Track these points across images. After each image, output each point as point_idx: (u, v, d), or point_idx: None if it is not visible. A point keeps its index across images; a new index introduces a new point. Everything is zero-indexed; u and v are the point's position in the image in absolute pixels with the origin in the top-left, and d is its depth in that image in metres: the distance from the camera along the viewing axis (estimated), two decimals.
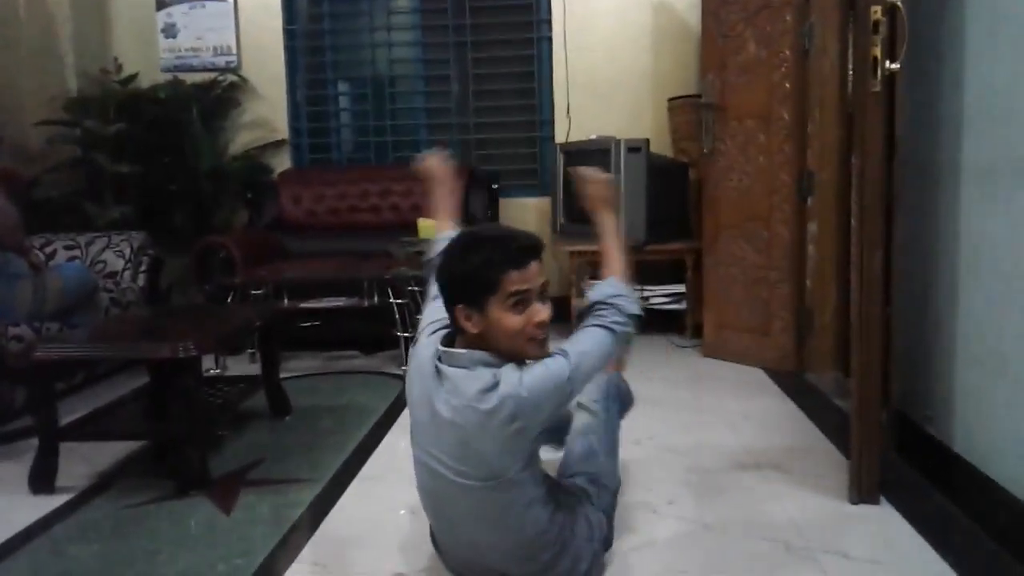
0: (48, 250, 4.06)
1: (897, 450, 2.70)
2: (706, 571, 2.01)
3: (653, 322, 4.59)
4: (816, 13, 3.61)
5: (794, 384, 3.62)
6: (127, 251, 4.17)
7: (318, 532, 2.30)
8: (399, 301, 4.02)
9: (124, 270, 4.13)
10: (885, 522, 2.23)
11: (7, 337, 3.23)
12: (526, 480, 1.73)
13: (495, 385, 1.63)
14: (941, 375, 2.50)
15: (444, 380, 1.70)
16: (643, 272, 4.62)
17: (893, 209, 2.68)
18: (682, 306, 4.52)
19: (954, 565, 1.97)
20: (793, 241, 3.75)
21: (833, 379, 3.62)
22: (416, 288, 4.16)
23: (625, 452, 2.33)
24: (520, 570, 1.81)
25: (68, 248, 4.11)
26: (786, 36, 3.68)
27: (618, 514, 2.14)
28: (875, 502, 2.33)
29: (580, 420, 2.14)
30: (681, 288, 4.52)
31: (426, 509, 1.91)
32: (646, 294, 4.53)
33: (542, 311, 1.71)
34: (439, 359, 1.74)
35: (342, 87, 5.74)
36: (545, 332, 1.72)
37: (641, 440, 2.88)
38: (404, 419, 3.29)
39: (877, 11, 2.24)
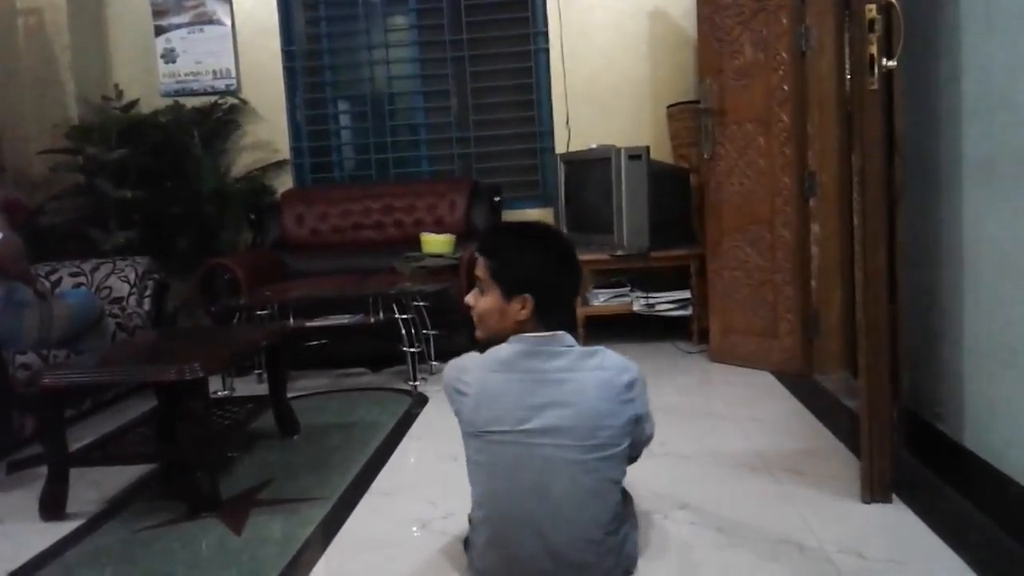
0: (53, 277, 4.08)
1: (908, 448, 2.69)
2: (722, 574, 2.00)
3: (659, 329, 4.59)
4: (812, 14, 3.62)
5: (803, 386, 3.61)
6: (132, 276, 4.18)
7: (329, 550, 2.29)
8: (405, 316, 4.01)
9: (130, 295, 4.14)
10: (899, 521, 2.22)
11: (15, 365, 3.24)
12: (622, 459, 1.91)
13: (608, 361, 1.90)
14: (949, 371, 2.48)
15: (560, 356, 1.87)
16: (647, 279, 4.62)
17: (896, 207, 2.67)
18: (688, 312, 4.51)
19: (970, 562, 1.95)
20: (797, 243, 3.74)
21: (842, 380, 3.61)
22: (422, 303, 4.17)
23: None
24: (586, 555, 1.85)
25: (73, 275, 4.13)
26: (782, 39, 3.68)
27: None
28: (888, 501, 2.31)
29: None
30: (686, 294, 4.51)
31: (493, 511, 1.89)
32: (651, 301, 4.52)
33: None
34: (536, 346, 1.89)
35: (342, 106, 5.76)
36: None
37: (652, 447, 2.85)
38: (414, 434, 3.30)
39: (872, 9, 2.24)
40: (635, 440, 1.95)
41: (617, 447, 1.87)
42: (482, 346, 1.98)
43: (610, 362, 1.90)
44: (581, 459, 1.82)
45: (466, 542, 2.06)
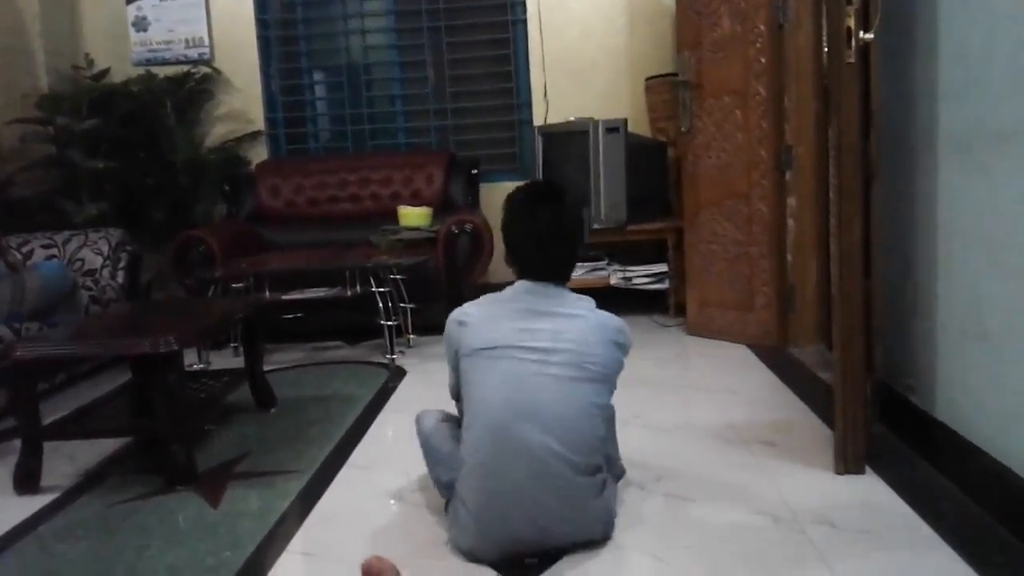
0: (25, 249, 4.03)
1: (882, 420, 2.72)
2: (695, 546, 2.02)
3: (636, 302, 4.60)
4: None
5: (778, 359, 3.64)
6: (105, 248, 4.13)
7: (307, 522, 2.30)
8: (382, 290, 4.00)
9: (103, 267, 4.10)
10: (871, 491, 2.25)
11: None
12: (607, 392, 2.04)
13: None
14: (922, 344, 2.51)
15: (554, 296, 2.04)
16: (625, 252, 4.63)
17: (871, 181, 2.68)
18: (665, 285, 4.52)
19: (940, 531, 1.99)
20: (773, 216, 3.76)
21: (817, 352, 3.64)
22: (399, 276, 4.15)
23: None
24: (574, 471, 1.92)
25: (45, 247, 4.08)
26: (760, 11, 3.68)
27: None
28: (860, 472, 2.34)
29: None
30: (663, 267, 4.52)
31: (485, 429, 1.93)
32: (629, 274, 4.53)
33: None
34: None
35: (317, 76, 5.70)
36: None
37: (628, 419, 2.88)
38: (392, 407, 3.30)
39: None
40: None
41: (603, 379, 2.00)
42: None
43: (597, 312, 2.06)
44: (568, 378, 1.94)
45: (447, 506, 2.08)
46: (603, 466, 2.03)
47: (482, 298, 2.11)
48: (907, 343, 2.63)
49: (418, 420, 2.29)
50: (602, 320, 2.05)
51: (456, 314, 2.09)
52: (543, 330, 1.97)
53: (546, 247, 2.05)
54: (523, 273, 2.08)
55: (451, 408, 2.27)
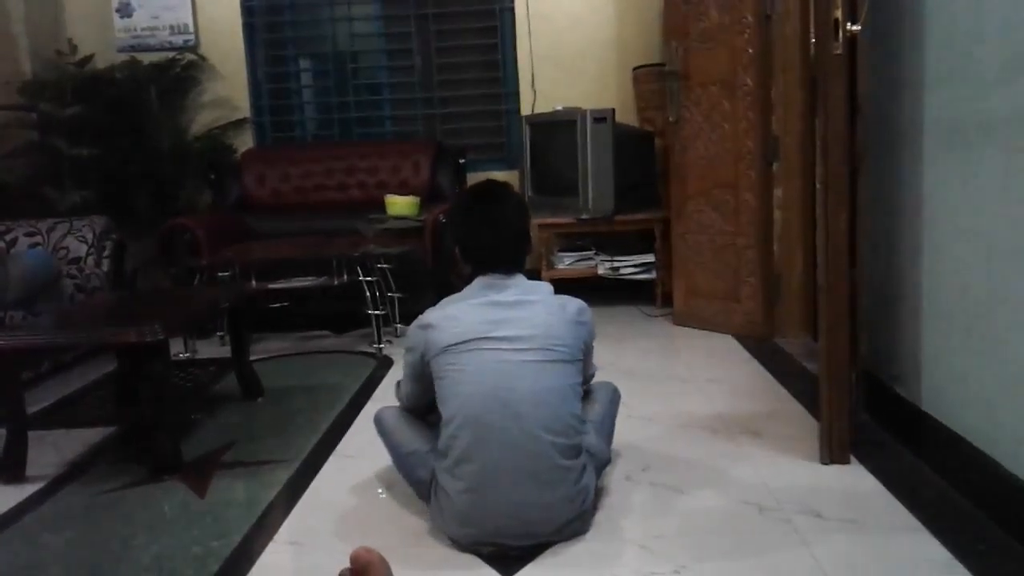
0: (8, 237, 3.99)
1: (867, 410, 2.74)
2: (681, 536, 2.03)
3: (624, 292, 4.61)
4: None
5: (764, 349, 3.66)
6: (90, 236, 4.10)
7: (294, 511, 2.30)
8: (369, 279, 3.99)
9: (87, 255, 4.06)
10: (856, 481, 2.27)
11: None
12: (578, 372, 2.07)
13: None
14: (908, 334, 2.53)
15: (510, 288, 2.07)
16: (612, 243, 4.64)
17: (858, 171, 2.70)
18: (652, 275, 4.53)
19: (924, 520, 2.00)
20: (760, 207, 3.77)
21: (803, 343, 3.66)
22: (386, 266, 4.14)
23: None
24: (556, 452, 1.94)
25: (29, 235, 4.04)
26: (747, 1, 3.67)
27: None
28: (846, 462, 2.36)
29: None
30: (650, 258, 4.53)
31: (464, 421, 1.95)
32: (616, 264, 4.54)
33: None
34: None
35: (303, 64, 5.67)
36: None
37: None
38: (379, 396, 3.29)
39: None
40: (584, 375, 2.16)
41: (573, 359, 2.05)
42: None
43: (555, 296, 2.12)
44: (539, 362, 1.98)
45: (430, 489, 2.08)
46: (583, 450, 2.04)
47: (441, 302, 2.13)
48: (892, 333, 2.64)
49: (378, 422, 2.30)
50: (562, 302, 2.10)
51: (418, 321, 2.12)
52: (508, 320, 2.01)
53: (503, 238, 2.12)
54: (480, 268, 2.12)
55: None
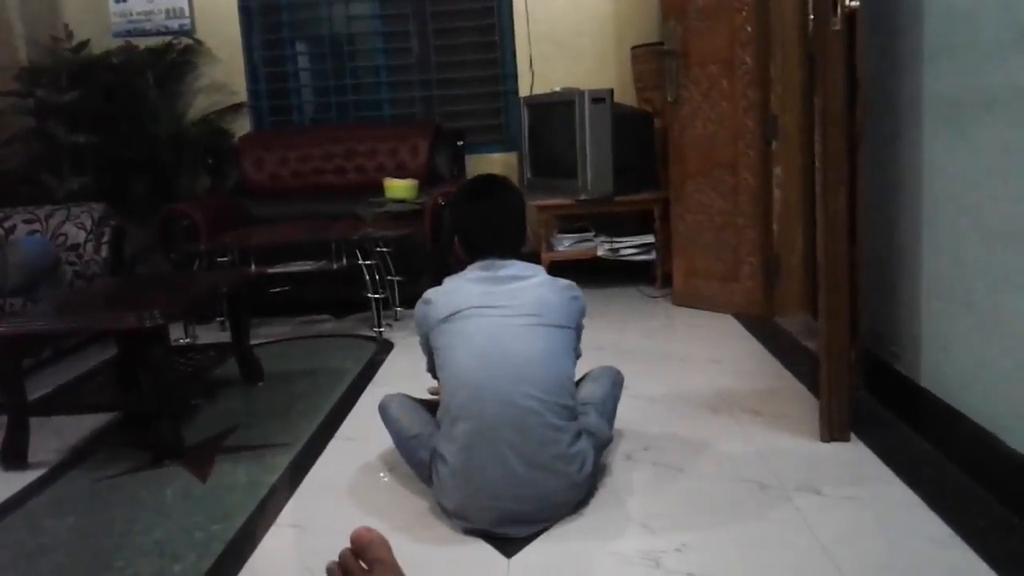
0: (7, 224, 3.98)
1: (867, 388, 2.74)
2: (682, 513, 2.04)
3: (623, 273, 4.61)
4: None
5: (764, 328, 3.65)
6: (88, 223, 4.09)
7: (296, 495, 2.30)
8: (368, 263, 3.98)
9: (86, 242, 4.05)
10: (856, 459, 2.27)
11: None
12: (571, 339, 2.13)
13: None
14: (907, 312, 2.52)
15: (507, 267, 2.14)
16: (611, 224, 4.63)
17: (857, 148, 2.69)
18: (651, 256, 4.52)
19: (924, 497, 2.01)
20: (759, 186, 3.76)
21: (803, 322, 3.66)
22: (385, 249, 4.13)
23: None
24: (550, 413, 1.98)
25: (27, 222, 4.03)
26: None
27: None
28: (846, 439, 2.37)
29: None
30: (650, 238, 4.52)
31: (460, 385, 2.01)
32: (615, 246, 4.53)
33: None
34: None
35: (300, 47, 5.63)
36: None
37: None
38: (380, 380, 3.30)
39: None
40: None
41: (566, 327, 2.11)
42: None
43: (547, 275, 2.19)
44: (533, 326, 2.04)
45: (430, 469, 2.10)
46: (577, 414, 2.09)
47: (444, 281, 2.20)
48: (892, 311, 2.64)
49: (383, 409, 2.31)
50: (552, 278, 2.18)
51: (422, 298, 2.18)
52: (503, 291, 2.09)
53: (502, 230, 2.20)
54: (478, 255, 2.19)
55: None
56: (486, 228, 2.20)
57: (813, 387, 2.69)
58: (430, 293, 2.17)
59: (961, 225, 2.19)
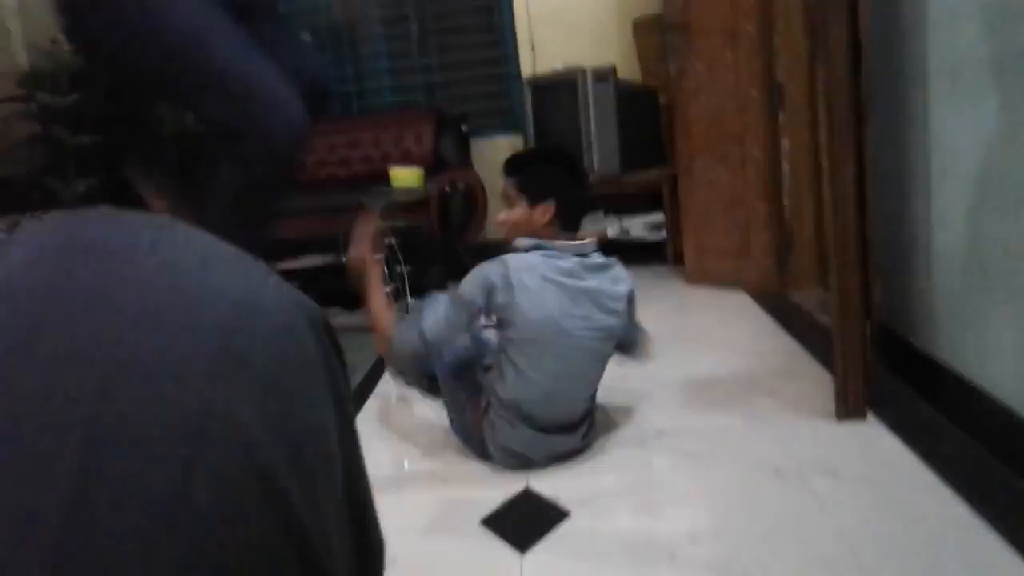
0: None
1: (883, 364, 2.69)
2: (699, 501, 2.00)
3: (635, 252, 4.56)
4: None
5: (778, 305, 3.60)
6: None
7: None
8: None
9: None
10: (873, 437, 2.23)
11: None
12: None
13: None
14: (921, 283, 2.47)
15: (601, 268, 2.24)
16: (620, 203, 4.57)
17: (864, 118, 2.62)
18: (662, 234, 4.47)
19: (942, 475, 1.96)
20: (767, 159, 3.69)
21: (817, 296, 3.59)
22: (393, 240, 4.10)
23: (613, 385, 2.48)
24: (583, 401, 2.31)
25: None
26: None
27: (609, 445, 2.36)
28: (862, 418, 2.32)
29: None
30: (660, 216, 4.46)
31: (542, 380, 2.18)
32: (625, 225, 4.48)
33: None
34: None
35: (300, 36, 5.58)
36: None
37: (628, 374, 2.85)
38: (389, 376, 3.27)
39: None
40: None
41: (616, 334, 2.29)
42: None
43: (622, 275, 2.30)
44: (604, 341, 2.25)
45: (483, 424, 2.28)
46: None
47: (526, 264, 2.15)
48: (907, 284, 2.58)
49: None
50: (623, 291, 2.28)
51: (500, 268, 2.15)
52: (585, 309, 2.18)
53: (575, 182, 2.31)
54: (572, 225, 2.28)
55: None
56: (584, 197, 2.34)
57: (828, 364, 2.64)
58: (513, 271, 2.12)
59: (972, 193, 2.13)
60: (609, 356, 2.31)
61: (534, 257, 2.17)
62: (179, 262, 0.43)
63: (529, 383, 2.18)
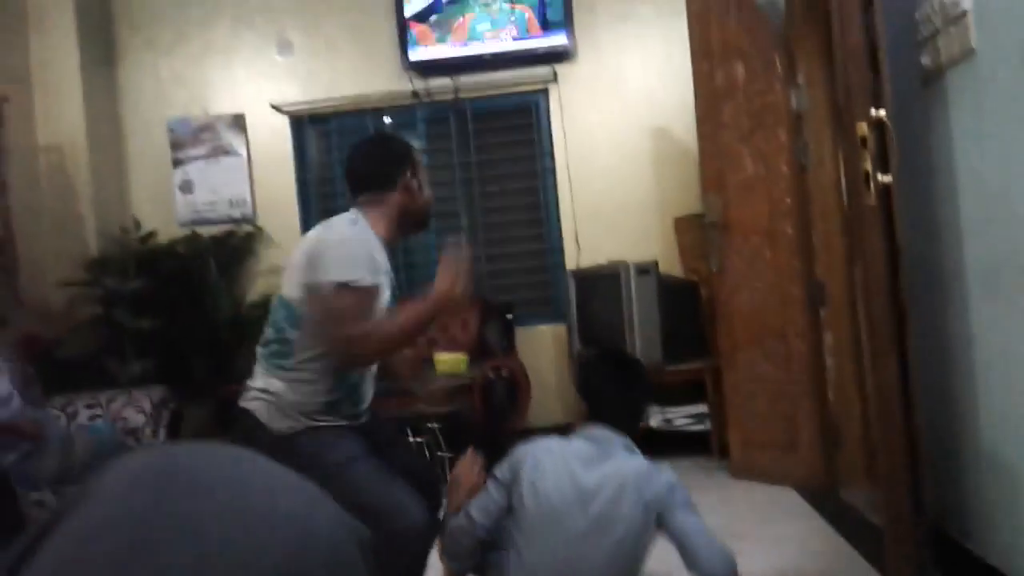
0: (69, 410, 4.08)
1: (937, 567, 2.59)
2: None
3: (679, 444, 4.51)
4: (809, 130, 3.68)
5: (826, 501, 3.51)
6: (147, 406, 4.17)
7: None
8: (419, 440, 3.98)
9: (145, 426, 4.12)
10: None
11: (28, 503, 3.21)
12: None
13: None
14: (973, 486, 2.42)
15: (603, 461, 2.14)
16: (663, 393, 4.58)
17: (905, 318, 2.65)
18: (706, 426, 4.44)
19: None
20: (810, 353, 3.71)
21: (867, 494, 3.51)
22: (435, 425, 4.13)
23: None
24: None
25: (89, 407, 4.13)
26: (782, 153, 3.75)
27: None
28: None
29: None
30: (703, 407, 4.45)
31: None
32: (668, 416, 4.47)
33: None
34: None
35: None
36: None
37: (674, 572, 2.77)
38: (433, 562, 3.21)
39: (863, 127, 2.29)
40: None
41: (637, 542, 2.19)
42: None
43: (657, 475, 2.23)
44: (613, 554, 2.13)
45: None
46: None
47: (556, 451, 2.16)
48: (959, 485, 2.53)
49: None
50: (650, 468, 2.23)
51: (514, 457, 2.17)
52: (596, 476, 2.11)
53: (627, 400, 2.29)
54: (596, 416, 2.24)
55: None
56: (615, 393, 2.28)
57: (880, 566, 2.55)
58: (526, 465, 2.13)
59: (1017, 391, 2.12)
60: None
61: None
62: (248, 493, 0.57)
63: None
